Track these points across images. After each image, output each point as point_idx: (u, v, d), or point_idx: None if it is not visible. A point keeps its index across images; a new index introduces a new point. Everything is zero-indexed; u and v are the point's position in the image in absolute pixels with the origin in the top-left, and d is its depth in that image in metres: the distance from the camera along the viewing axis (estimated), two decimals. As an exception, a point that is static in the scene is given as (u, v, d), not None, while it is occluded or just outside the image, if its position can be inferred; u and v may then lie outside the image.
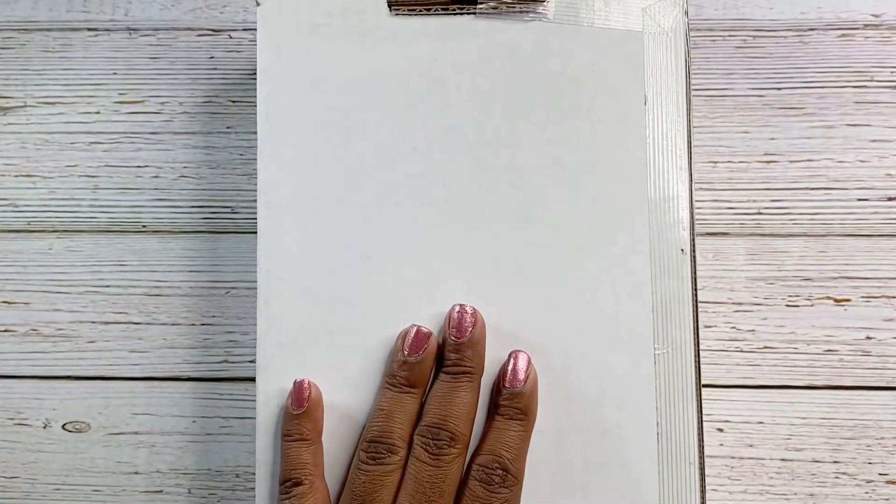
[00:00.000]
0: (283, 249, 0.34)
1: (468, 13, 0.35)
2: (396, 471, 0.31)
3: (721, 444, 0.42)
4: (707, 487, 0.34)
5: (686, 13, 0.35)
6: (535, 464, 0.33)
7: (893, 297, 0.42)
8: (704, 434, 0.33)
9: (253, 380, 0.43)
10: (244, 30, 0.46)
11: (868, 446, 0.41)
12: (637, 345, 0.33)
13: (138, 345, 0.43)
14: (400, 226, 0.34)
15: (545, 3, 0.34)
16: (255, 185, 0.35)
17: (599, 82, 0.34)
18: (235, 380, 0.43)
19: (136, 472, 0.43)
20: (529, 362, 0.33)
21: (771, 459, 0.41)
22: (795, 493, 0.41)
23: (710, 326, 0.42)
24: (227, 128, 0.45)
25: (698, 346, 0.33)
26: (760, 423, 0.42)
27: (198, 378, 0.43)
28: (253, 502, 0.42)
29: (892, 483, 0.41)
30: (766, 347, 0.42)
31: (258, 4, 0.36)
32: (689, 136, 0.34)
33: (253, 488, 0.42)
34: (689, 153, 0.34)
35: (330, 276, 0.34)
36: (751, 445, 0.41)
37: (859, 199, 0.43)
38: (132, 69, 0.45)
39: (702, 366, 0.38)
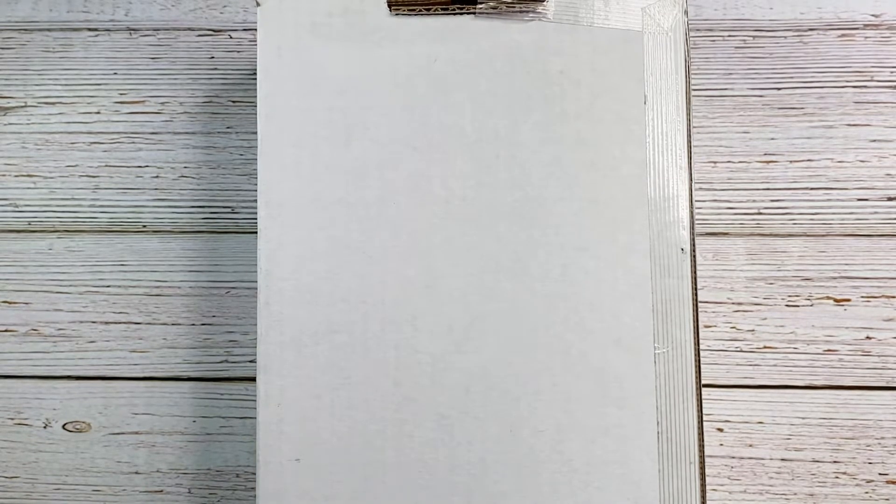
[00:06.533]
0: (283, 249, 0.34)
1: (468, 13, 0.35)
2: None
3: (721, 444, 0.42)
4: (707, 487, 0.34)
5: (686, 13, 0.35)
6: (535, 464, 0.33)
7: (893, 297, 0.42)
8: (704, 434, 0.33)
9: (253, 380, 0.43)
10: (244, 30, 0.46)
11: (868, 446, 0.41)
12: (637, 344, 0.33)
13: (138, 345, 0.43)
14: (400, 225, 0.34)
15: (545, 3, 0.35)
16: (255, 185, 0.35)
17: (599, 82, 0.34)
18: (235, 380, 0.43)
19: (136, 472, 0.43)
20: None
21: (771, 459, 0.41)
22: (795, 493, 0.41)
23: (710, 326, 0.42)
24: (228, 128, 0.45)
25: (698, 346, 0.33)
26: (760, 423, 0.42)
27: (198, 378, 0.43)
28: (253, 502, 0.42)
29: (892, 483, 0.41)
30: (766, 347, 0.42)
31: (258, 4, 0.36)
32: (689, 136, 0.34)
33: (253, 488, 0.42)
34: (689, 152, 0.34)
35: (330, 276, 0.34)
36: (751, 445, 0.41)
37: (859, 199, 0.43)
38: (132, 69, 0.45)
39: (702, 366, 0.38)
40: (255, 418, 0.34)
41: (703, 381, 0.41)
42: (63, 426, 0.43)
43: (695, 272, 0.34)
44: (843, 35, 0.44)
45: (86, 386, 0.43)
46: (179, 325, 0.43)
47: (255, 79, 0.35)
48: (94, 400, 0.43)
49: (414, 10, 0.35)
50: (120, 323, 0.44)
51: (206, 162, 0.44)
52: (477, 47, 0.35)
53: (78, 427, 0.43)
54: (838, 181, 0.43)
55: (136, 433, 0.43)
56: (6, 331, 0.44)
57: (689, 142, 0.34)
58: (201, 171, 0.44)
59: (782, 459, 0.41)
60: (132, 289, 0.44)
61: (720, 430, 0.42)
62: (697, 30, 0.44)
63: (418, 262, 0.34)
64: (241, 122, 0.45)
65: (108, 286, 0.44)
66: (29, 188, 0.45)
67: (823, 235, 0.43)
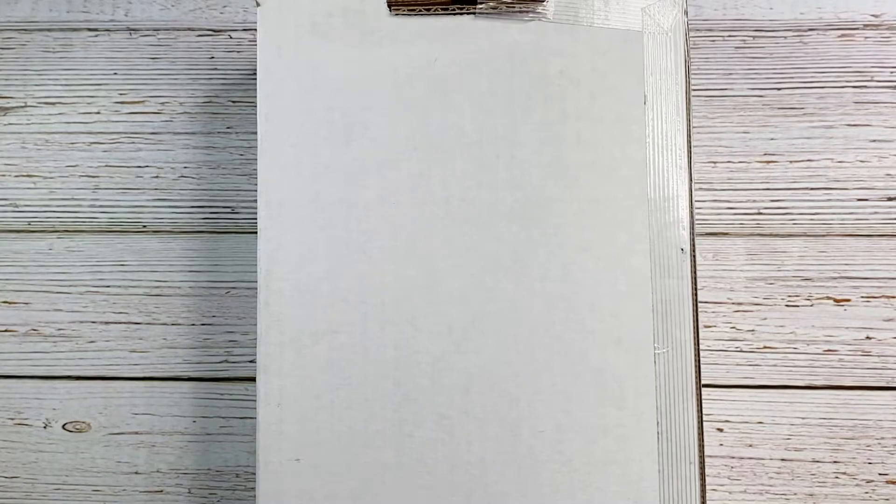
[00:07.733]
0: (283, 249, 0.34)
1: (468, 13, 0.35)
2: None
3: (721, 444, 0.42)
4: (707, 487, 0.34)
5: (685, 13, 0.35)
6: (535, 464, 0.33)
7: (893, 297, 0.42)
8: (704, 434, 0.33)
9: (253, 380, 0.43)
10: (244, 30, 0.46)
11: (868, 446, 0.41)
12: (637, 344, 0.33)
13: (138, 345, 0.43)
14: (400, 225, 0.34)
15: (545, 3, 0.35)
16: (255, 185, 0.35)
17: (599, 82, 0.34)
18: (235, 380, 0.43)
19: (136, 472, 0.43)
20: None
21: (771, 459, 0.41)
22: (795, 493, 0.41)
23: (710, 326, 0.42)
24: (228, 128, 0.45)
25: (698, 346, 0.33)
26: (760, 423, 0.42)
27: (198, 378, 0.43)
28: (253, 502, 0.42)
29: (892, 483, 0.41)
30: (765, 347, 0.42)
31: (258, 4, 0.36)
32: (689, 136, 0.34)
33: (253, 488, 0.42)
34: (689, 152, 0.34)
35: (330, 276, 0.34)
36: (751, 445, 0.41)
37: (859, 199, 0.43)
38: (132, 69, 0.45)
39: (702, 366, 0.38)
40: (255, 418, 0.34)
41: (703, 381, 0.41)
42: (63, 426, 0.43)
43: (695, 272, 0.34)
44: (843, 35, 0.44)
45: (86, 386, 0.43)
46: (179, 325, 0.43)
47: (255, 79, 0.35)
48: (94, 400, 0.43)
49: (414, 10, 0.35)
50: (120, 323, 0.44)
51: (206, 162, 0.44)
52: (477, 47, 0.35)
53: (78, 427, 0.43)
54: (838, 181, 0.43)
55: (136, 433, 0.43)
56: (6, 331, 0.44)
57: (689, 142, 0.34)
58: (201, 171, 0.44)
59: (782, 459, 0.41)
60: (132, 289, 0.44)
61: (720, 430, 0.42)
62: (697, 30, 0.44)
63: (418, 262, 0.34)
64: (241, 122, 0.45)
65: (108, 286, 0.44)
66: (29, 188, 0.45)
67: (823, 235, 0.43)
